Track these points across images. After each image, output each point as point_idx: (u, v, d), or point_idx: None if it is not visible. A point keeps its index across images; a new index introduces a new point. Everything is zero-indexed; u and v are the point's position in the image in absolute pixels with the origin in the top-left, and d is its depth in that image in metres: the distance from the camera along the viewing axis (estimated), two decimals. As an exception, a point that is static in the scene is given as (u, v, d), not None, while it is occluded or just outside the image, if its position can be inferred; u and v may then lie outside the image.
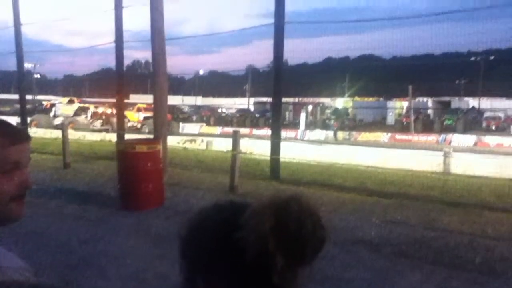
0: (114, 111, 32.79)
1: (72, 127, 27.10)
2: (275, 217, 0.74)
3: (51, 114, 33.30)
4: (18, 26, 14.42)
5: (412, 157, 12.40)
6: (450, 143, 27.59)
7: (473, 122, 38.38)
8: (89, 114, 32.90)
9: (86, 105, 35.07)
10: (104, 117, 32.85)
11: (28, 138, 1.06)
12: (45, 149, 13.89)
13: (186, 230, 0.83)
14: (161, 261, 4.58)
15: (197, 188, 8.68)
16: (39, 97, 60.77)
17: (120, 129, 13.08)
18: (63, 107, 34.29)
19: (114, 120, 30.43)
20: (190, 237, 0.82)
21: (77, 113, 32.89)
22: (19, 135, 1.04)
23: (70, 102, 35.58)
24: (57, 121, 30.72)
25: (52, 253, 4.95)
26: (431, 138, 30.28)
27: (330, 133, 33.81)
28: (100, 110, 33.85)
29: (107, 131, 26.34)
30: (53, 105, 35.28)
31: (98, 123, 31.87)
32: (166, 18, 9.83)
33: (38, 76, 66.23)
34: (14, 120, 17.26)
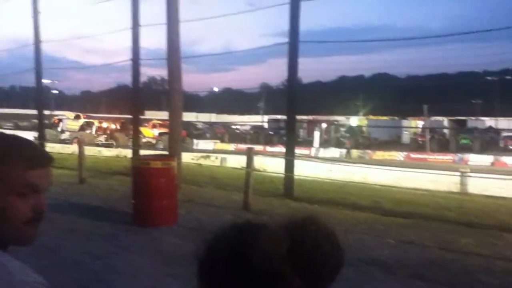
0: (118, 126, 33.88)
1: (77, 142, 28.31)
2: (292, 238, 0.74)
3: (59, 129, 34.08)
4: (38, 44, 14.77)
5: (428, 177, 12.23)
6: (467, 162, 27.23)
7: (490, 142, 37.85)
8: (93, 129, 33.63)
9: (91, 120, 35.68)
10: (108, 132, 33.54)
11: (49, 162, 1.06)
12: (61, 164, 14.05)
13: (203, 249, 0.83)
14: (173, 280, 4.56)
15: (211, 205, 8.67)
16: (57, 112, 61.75)
17: (135, 145, 13.20)
18: (69, 122, 35.13)
19: (118, 135, 31.16)
20: (207, 257, 0.82)
21: (83, 128, 33.62)
22: (40, 159, 1.04)
23: (77, 117, 36.36)
24: (64, 136, 31.82)
25: (65, 269, 4.97)
26: (447, 157, 29.94)
27: (344, 151, 33.69)
28: (105, 125, 34.51)
29: (111, 145, 26.71)
30: (60, 120, 36.10)
31: (102, 138, 32.56)
32: (182, 37, 9.98)
33: (56, 92, 67.42)
34: (31, 135, 17.62)
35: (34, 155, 1.03)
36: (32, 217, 1.01)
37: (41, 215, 1.02)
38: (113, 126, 34.15)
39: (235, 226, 0.84)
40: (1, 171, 0.98)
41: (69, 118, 36.27)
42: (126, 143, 28.67)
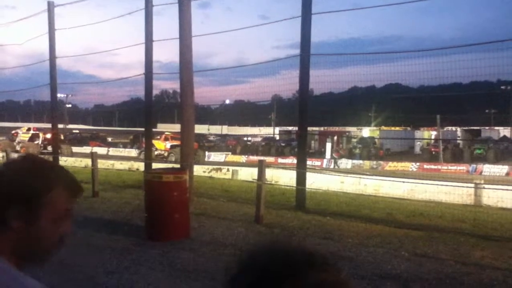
0: (62, 137, 37.24)
1: (24, 151, 31.12)
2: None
3: (16, 140, 37.34)
4: (53, 60, 15.00)
5: (442, 188, 12.11)
6: (481, 173, 26.90)
7: (505, 152, 37.37)
8: (40, 140, 36.60)
9: (38, 132, 38.48)
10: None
11: (82, 192, 1.15)
12: (75, 177, 14.17)
13: (235, 266, 0.82)
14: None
15: (223, 218, 8.67)
16: (70, 126, 62.51)
17: (148, 158, 13.27)
18: (22, 134, 38.59)
19: (62, 145, 34.01)
20: (237, 276, 0.81)
21: (32, 139, 37.08)
22: (78, 189, 1.13)
23: (28, 130, 39.69)
24: (18, 147, 34.99)
25: (79, 284, 5.00)
26: (461, 168, 29.62)
27: (357, 162, 33.56)
28: (49, 136, 37.24)
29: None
30: (17, 133, 39.23)
31: (50, 148, 35.51)
32: (195, 50, 10.07)
33: (70, 105, 68.32)
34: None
35: (75, 185, 1.11)
36: (58, 241, 1.08)
37: (64, 239, 1.10)
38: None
39: (271, 254, 0.83)
40: (48, 197, 1.05)
41: (22, 131, 39.48)
42: (70, 152, 33.10)
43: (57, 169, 1.11)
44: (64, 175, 1.10)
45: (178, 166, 11.74)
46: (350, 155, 37.38)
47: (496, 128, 52.91)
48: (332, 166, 32.11)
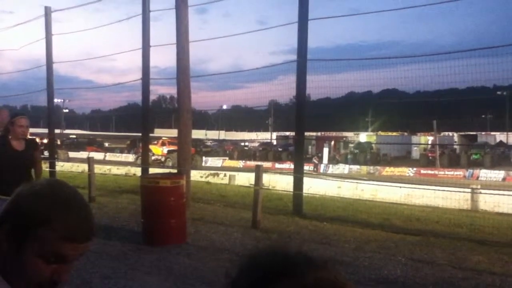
0: (59, 142, 38.70)
1: None
2: None
3: None
4: (50, 65, 14.98)
5: (438, 193, 12.13)
6: (477, 178, 26.99)
7: (501, 157, 37.50)
8: None
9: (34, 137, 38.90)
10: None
11: (90, 238, 1.01)
12: (71, 182, 14.11)
13: (235, 271, 0.82)
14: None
15: (220, 224, 8.66)
16: (67, 131, 62.43)
17: (145, 163, 13.27)
18: None
19: (59, 150, 35.32)
20: (238, 279, 0.81)
21: None
22: (82, 233, 0.99)
23: None
24: None
25: (75, 288, 4.97)
26: (458, 173, 29.70)
27: (354, 168, 33.63)
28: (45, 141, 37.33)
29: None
30: None
31: (46, 153, 35.55)
32: (192, 55, 10.09)
33: (67, 111, 68.19)
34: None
35: (78, 227, 0.97)
36: (47, 282, 0.97)
37: (56, 283, 0.98)
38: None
39: (268, 252, 0.83)
40: (39, 232, 0.94)
41: None
42: (66, 157, 33.88)
43: (63, 202, 0.98)
44: (69, 213, 0.97)
45: (175, 171, 11.74)
46: (346, 160, 37.49)
47: (493, 133, 53.12)
48: (321, 170, 32.13)
